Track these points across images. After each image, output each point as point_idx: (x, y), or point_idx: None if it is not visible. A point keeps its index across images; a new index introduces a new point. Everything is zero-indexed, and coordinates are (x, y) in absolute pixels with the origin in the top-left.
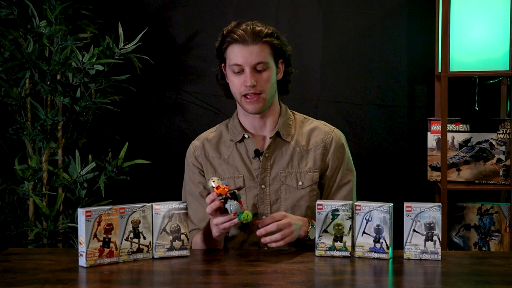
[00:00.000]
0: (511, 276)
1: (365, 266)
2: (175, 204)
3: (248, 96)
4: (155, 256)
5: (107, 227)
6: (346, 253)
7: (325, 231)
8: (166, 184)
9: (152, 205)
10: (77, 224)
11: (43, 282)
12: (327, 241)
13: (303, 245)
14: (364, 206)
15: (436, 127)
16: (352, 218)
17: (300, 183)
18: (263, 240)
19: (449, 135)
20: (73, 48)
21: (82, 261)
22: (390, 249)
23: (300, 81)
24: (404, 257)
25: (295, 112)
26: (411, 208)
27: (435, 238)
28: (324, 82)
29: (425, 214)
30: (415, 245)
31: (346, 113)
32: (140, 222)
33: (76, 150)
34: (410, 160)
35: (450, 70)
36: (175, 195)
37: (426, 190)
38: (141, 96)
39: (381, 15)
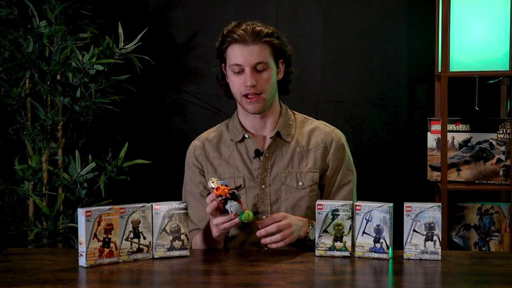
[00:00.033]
0: (511, 276)
1: (365, 266)
2: (175, 204)
3: (248, 96)
4: (155, 256)
5: (107, 227)
6: (346, 253)
7: (325, 231)
8: (166, 184)
9: (152, 205)
10: (77, 224)
11: (43, 282)
12: (327, 241)
13: (303, 245)
14: (364, 206)
15: (436, 127)
16: (352, 218)
17: (300, 183)
18: (263, 241)
19: (449, 135)
20: (73, 48)
21: (82, 261)
22: (390, 249)
23: (300, 81)
24: (404, 257)
25: (295, 112)
26: (411, 208)
27: (435, 238)
28: (324, 82)
29: (425, 214)
30: (415, 245)
31: (346, 113)
32: (140, 222)
33: (76, 150)
34: (410, 160)
35: (450, 70)
36: (175, 195)
37: (426, 190)
38: (141, 96)
39: (381, 15)
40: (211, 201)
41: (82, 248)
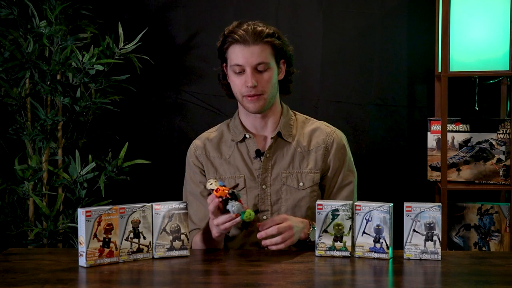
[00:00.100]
0: (511, 276)
1: (365, 266)
2: (175, 204)
3: (249, 96)
4: (155, 256)
5: (107, 227)
6: (346, 253)
7: (325, 231)
8: (166, 184)
9: (152, 205)
10: (77, 224)
11: (43, 282)
12: (327, 241)
13: (303, 245)
14: (364, 206)
15: (436, 127)
16: (352, 218)
17: (301, 183)
18: (264, 243)
19: (449, 135)
20: (73, 48)
21: (82, 261)
22: (390, 249)
23: (300, 81)
24: (404, 257)
25: (296, 112)
26: (411, 208)
27: (435, 238)
28: (324, 82)
29: (425, 214)
30: (415, 245)
31: (346, 113)
32: (140, 222)
33: (76, 150)
34: (410, 160)
35: (450, 70)
36: (175, 195)
37: (426, 190)
38: (141, 96)
39: (381, 15)
40: (211, 200)
41: (82, 248)
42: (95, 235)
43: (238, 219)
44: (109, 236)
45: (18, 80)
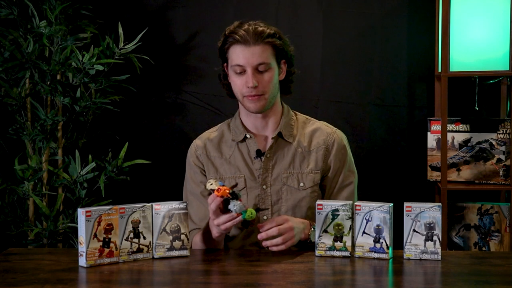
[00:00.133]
0: (511, 276)
1: (365, 266)
2: (175, 204)
3: (249, 96)
4: (155, 256)
5: (107, 227)
6: (346, 253)
7: (325, 231)
8: (166, 184)
9: (152, 205)
10: (77, 224)
11: (43, 282)
12: (327, 241)
13: (303, 245)
14: (364, 206)
15: (436, 127)
16: (352, 218)
17: (301, 184)
18: (264, 244)
19: (449, 135)
20: (73, 48)
21: (82, 261)
22: (390, 249)
23: (300, 81)
24: (404, 257)
25: (297, 112)
26: (411, 208)
27: (435, 238)
28: (324, 82)
29: (425, 214)
30: (415, 245)
31: (346, 113)
32: (140, 222)
33: (76, 150)
34: (410, 160)
35: (450, 70)
36: (175, 195)
37: (426, 190)
38: (141, 96)
39: (381, 15)
40: (212, 200)
41: (82, 248)
42: (95, 235)
43: (239, 218)
44: (109, 236)
45: (18, 80)
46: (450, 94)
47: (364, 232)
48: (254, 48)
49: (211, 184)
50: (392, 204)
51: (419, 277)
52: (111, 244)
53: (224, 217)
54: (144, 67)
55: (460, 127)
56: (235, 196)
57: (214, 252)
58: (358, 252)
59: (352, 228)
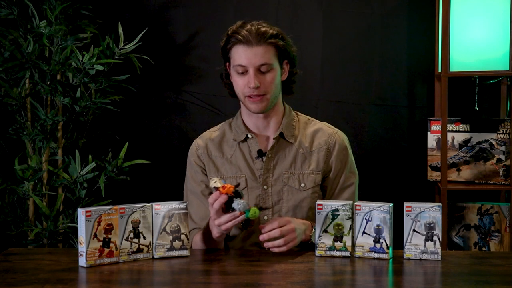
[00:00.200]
0: (511, 276)
1: (365, 266)
2: (175, 204)
3: (251, 96)
4: (155, 256)
5: (107, 227)
6: (346, 253)
7: (325, 231)
8: (166, 184)
9: (152, 205)
10: (77, 224)
11: (43, 282)
12: (327, 241)
13: (303, 245)
14: (364, 206)
15: (436, 127)
16: (352, 218)
17: (302, 184)
18: (266, 245)
19: (449, 135)
20: (73, 48)
21: (82, 261)
22: (390, 249)
23: (300, 81)
24: (404, 257)
25: (298, 113)
26: (411, 208)
27: (435, 238)
28: (324, 82)
29: (425, 214)
30: (415, 245)
31: (346, 113)
32: (140, 222)
33: (76, 150)
34: (410, 160)
35: (450, 70)
36: (175, 195)
37: (426, 190)
38: (141, 96)
39: (381, 15)
40: (214, 200)
41: (82, 248)
42: (95, 235)
43: (240, 218)
44: (109, 236)
45: (18, 80)
46: (450, 94)
47: (364, 232)
48: (257, 49)
49: (215, 182)
50: (392, 204)
51: (419, 277)
52: (111, 244)
53: (226, 217)
54: (144, 67)
55: (460, 127)
56: (238, 195)
57: (214, 252)
58: (358, 252)
59: (352, 228)
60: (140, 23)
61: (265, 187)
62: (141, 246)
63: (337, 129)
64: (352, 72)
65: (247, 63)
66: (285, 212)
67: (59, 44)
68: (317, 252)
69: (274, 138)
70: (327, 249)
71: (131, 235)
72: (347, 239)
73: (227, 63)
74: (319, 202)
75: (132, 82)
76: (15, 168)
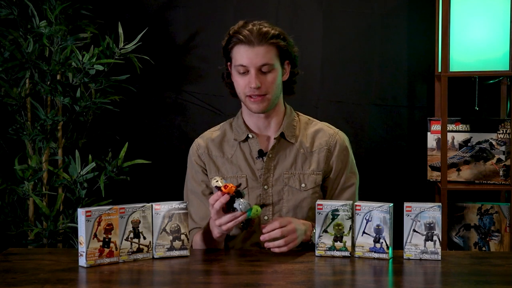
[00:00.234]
0: (511, 276)
1: (365, 266)
2: (175, 204)
3: (252, 96)
4: (155, 256)
5: (107, 227)
6: (346, 253)
7: (325, 231)
8: (166, 184)
9: (152, 205)
10: (77, 224)
11: (43, 282)
12: (327, 241)
13: (303, 245)
14: (364, 206)
15: (436, 127)
16: (352, 218)
17: (303, 185)
18: (267, 245)
19: (449, 135)
20: (73, 48)
21: (82, 261)
22: (390, 249)
23: (300, 81)
24: (404, 257)
25: (299, 113)
26: (411, 208)
27: (435, 238)
28: (324, 82)
29: (425, 214)
30: (415, 245)
31: (346, 113)
32: (140, 222)
33: (76, 150)
34: (410, 160)
35: (450, 70)
36: (175, 195)
37: (426, 190)
38: (141, 96)
39: (381, 15)
40: (215, 200)
41: (82, 248)
42: (95, 235)
43: (241, 218)
44: (109, 236)
45: (18, 80)
46: (450, 94)
47: (364, 232)
48: (258, 49)
49: (217, 181)
50: (392, 204)
51: (419, 277)
52: (111, 244)
53: (226, 217)
54: (144, 67)
55: (460, 127)
56: (239, 194)
57: (214, 252)
58: (358, 252)
59: (352, 228)
60: (140, 23)
61: (265, 187)
62: (141, 246)
63: (337, 130)
64: (352, 72)
65: (249, 63)
66: (285, 212)
67: (59, 44)
68: (317, 252)
69: (275, 138)
70: (327, 249)
71: (131, 235)
72: (347, 239)
73: (229, 63)
74: (319, 202)
75: (132, 82)
76: (15, 168)
